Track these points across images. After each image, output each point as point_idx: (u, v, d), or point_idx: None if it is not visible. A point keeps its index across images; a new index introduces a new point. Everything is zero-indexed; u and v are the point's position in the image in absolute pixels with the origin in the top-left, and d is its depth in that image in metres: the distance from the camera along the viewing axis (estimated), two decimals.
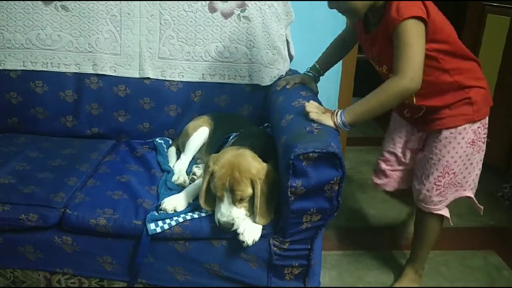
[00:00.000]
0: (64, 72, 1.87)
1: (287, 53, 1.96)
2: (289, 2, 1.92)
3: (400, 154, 1.66)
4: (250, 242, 1.30)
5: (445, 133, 1.46)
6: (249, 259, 1.38)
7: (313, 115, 1.35)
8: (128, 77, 1.88)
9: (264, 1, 1.86)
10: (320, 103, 1.53)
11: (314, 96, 1.63)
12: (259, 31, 1.86)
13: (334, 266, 1.85)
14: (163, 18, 1.85)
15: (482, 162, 1.53)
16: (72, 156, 1.69)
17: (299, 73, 1.95)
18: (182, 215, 1.35)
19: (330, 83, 2.28)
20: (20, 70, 1.85)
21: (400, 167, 1.68)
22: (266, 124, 1.75)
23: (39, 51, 1.86)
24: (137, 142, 1.85)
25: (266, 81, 1.89)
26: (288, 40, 1.98)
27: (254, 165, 1.33)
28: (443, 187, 1.51)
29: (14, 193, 1.43)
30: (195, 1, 1.84)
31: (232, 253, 1.37)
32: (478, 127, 1.46)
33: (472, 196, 1.55)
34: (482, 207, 1.58)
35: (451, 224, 1.61)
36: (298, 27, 2.07)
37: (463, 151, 1.46)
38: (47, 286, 1.48)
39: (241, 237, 1.30)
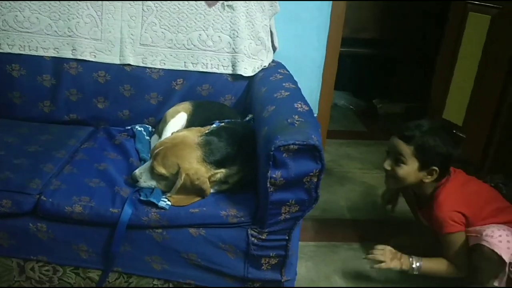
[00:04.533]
0: (42, 56, 1.82)
1: (270, 44, 1.95)
2: None
3: None
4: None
5: None
6: (227, 249, 1.38)
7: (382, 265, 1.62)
8: (108, 63, 1.84)
9: None
10: (303, 96, 1.54)
11: (297, 88, 1.63)
12: (243, 21, 1.85)
13: (310, 257, 1.87)
14: (146, 4, 1.82)
15: None
16: (49, 142, 1.65)
17: (283, 65, 1.95)
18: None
19: (313, 76, 2.29)
20: None
21: None
22: (250, 116, 1.74)
23: (17, 34, 1.80)
24: (116, 129, 1.82)
25: (249, 72, 1.88)
26: (272, 31, 1.97)
27: (189, 159, 1.37)
28: None
29: None
30: None
31: (210, 243, 1.38)
32: None
33: None
34: None
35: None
36: (283, 19, 2.07)
37: None
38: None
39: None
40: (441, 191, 1.63)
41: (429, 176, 1.61)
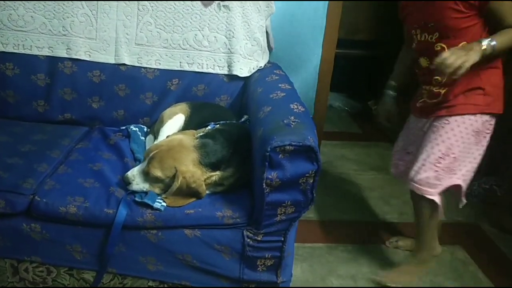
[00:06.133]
0: (37, 55, 1.81)
1: (266, 44, 1.95)
2: None
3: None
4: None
5: (455, 117, 1.52)
6: (222, 250, 1.38)
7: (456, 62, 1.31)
8: (103, 63, 1.83)
9: None
10: (298, 96, 1.54)
11: (293, 89, 1.63)
12: (239, 21, 1.85)
13: (306, 258, 1.87)
14: (141, 3, 1.81)
15: (481, 157, 1.58)
16: (43, 141, 1.64)
17: (278, 65, 1.95)
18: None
19: (308, 77, 2.29)
20: None
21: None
22: (246, 117, 1.73)
23: (11, 32, 1.79)
24: (110, 129, 1.81)
25: (245, 72, 1.88)
26: (268, 32, 1.97)
27: (186, 162, 1.36)
28: (441, 169, 1.55)
29: None
30: None
31: (205, 244, 1.37)
32: (487, 120, 1.52)
33: (463, 185, 1.59)
34: (465, 201, 1.64)
35: (444, 218, 1.68)
36: (278, 19, 2.07)
37: (467, 138, 1.52)
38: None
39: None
40: None
41: None
